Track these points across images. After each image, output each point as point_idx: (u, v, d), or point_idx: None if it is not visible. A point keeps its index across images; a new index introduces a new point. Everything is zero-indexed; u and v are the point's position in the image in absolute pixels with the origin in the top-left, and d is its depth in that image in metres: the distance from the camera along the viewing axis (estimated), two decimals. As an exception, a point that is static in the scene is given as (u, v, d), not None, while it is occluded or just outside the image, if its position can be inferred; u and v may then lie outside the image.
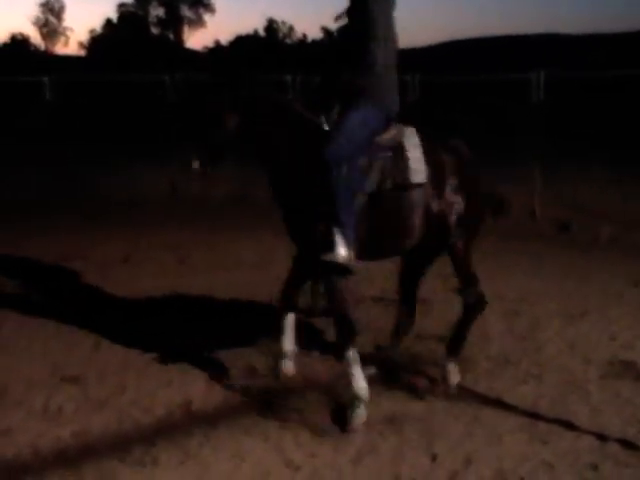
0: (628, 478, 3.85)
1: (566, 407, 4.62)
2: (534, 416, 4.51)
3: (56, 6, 60.03)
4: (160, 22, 60.16)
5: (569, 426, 4.39)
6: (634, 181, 10.55)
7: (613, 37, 78.51)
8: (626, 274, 7.50)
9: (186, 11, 60.51)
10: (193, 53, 55.02)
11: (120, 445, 4.25)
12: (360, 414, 4.41)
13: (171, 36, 60.04)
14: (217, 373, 5.15)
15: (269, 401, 4.73)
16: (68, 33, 60.36)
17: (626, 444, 4.18)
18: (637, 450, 4.12)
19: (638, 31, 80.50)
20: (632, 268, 7.74)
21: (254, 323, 6.12)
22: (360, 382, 4.48)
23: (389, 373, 5.05)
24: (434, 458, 4.08)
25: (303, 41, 59.56)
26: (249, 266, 8.03)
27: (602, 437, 4.25)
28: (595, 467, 3.94)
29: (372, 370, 4.90)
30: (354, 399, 4.44)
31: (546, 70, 10.79)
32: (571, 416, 4.50)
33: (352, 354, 4.50)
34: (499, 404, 4.67)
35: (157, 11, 60.09)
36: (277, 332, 5.05)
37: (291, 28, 61.20)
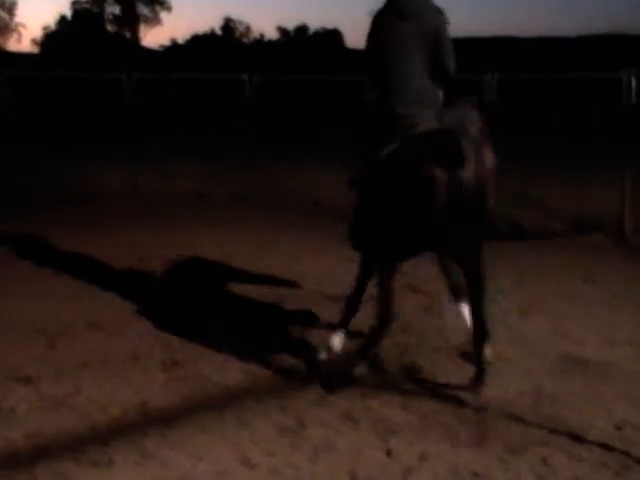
0: (578, 471, 3.92)
1: (517, 402, 4.67)
2: (488, 411, 4.56)
3: (7, 2, 58.93)
4: (116, 19, 59.85)
5: (521, 421, 4.45)
6: (587, 179, 10.73)
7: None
8: (577, 271, 7.64)
9: (142, 9, 60.34)
10: (150, 51, 54.62)
11: (75, 446, 4.18)
12: None
13: (127, 34, 59.56)
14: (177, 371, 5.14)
15: (227, 399, 4.73)
16: (21, 29, 58.80)
17: (576, 437, 4.25)
18: (586, 443, 4.19)
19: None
20: (583, 265, 7.89)
21: (213, 320, 6.11)
22: None
23: (346, 370, 5.09)
24: (389, 454, 4.10)
25: (260, 40, 59.47)
26: (209, 263, 8.01)
27: (553, 431, 4.32)
28: (546, 461, 4.01)
29: (323, 355, 5.00)
30: None
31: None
32: (523, 411, 4.55)
33: None
34: (454, 400, 4.71)
35: (113, 8, 59.94)
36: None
37: (248, 27, 61.16)
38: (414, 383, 4.96)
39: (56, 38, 56.94)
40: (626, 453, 4.09)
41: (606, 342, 5.74)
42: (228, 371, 5.16)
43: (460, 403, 4.66)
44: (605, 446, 4.16)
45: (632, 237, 8.99)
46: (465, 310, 5.19)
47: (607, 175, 9.43)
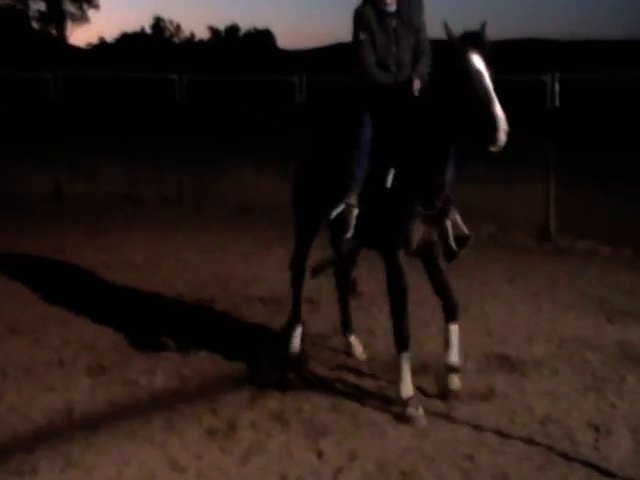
0: (502, 466, 4.01)
1: (445, 400, 4.74)
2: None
3: None
4: (42, 17, 58.48)
5: (448, 418, 4.53)
6: (513, 179, 10.88)
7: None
8: (501, 271, 7.82)
9: (69, 6, 59.06)
10: (77, 50, 53.67)
11: (8, 455, 4.09)
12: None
13: (53, 32, 58.41)
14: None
15: (156, 403, 4.69)
16: None
17: (500, 434, 4.35)
18: (510, 438, 4.29)
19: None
20: (507, 265, 8.07)
21: (140, 324, 6.05)
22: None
23: (279, 372, 5.11)
24: (320, 455, 4.12)
25: (191, 40, 59.04)
26: (137, 267, 7.91)
27: (478, 428, 4.41)
28: (471, 457, 4.08)
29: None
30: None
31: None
32: (450, 409, 4.63)
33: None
34: (382, 399, 4.76)
35: (38, 5, 58.33)
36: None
37: (178, 27, 60.73)
38: (344, 385, 4.99)
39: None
40: (550, 447, 4.20)
41: (527, 340, 5.88)
42: (156, 375, 5.11)
43: (389, 403, 4.69)
44: (529, 441, 4.26)
45: (556, 237, 9.21)
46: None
47: (532, 176, 9.61)
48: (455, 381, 4.75)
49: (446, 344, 4.80)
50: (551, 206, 9.31)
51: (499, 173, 9.41)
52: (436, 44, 4.75)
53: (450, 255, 4.63)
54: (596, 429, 4.43)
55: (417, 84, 4.69)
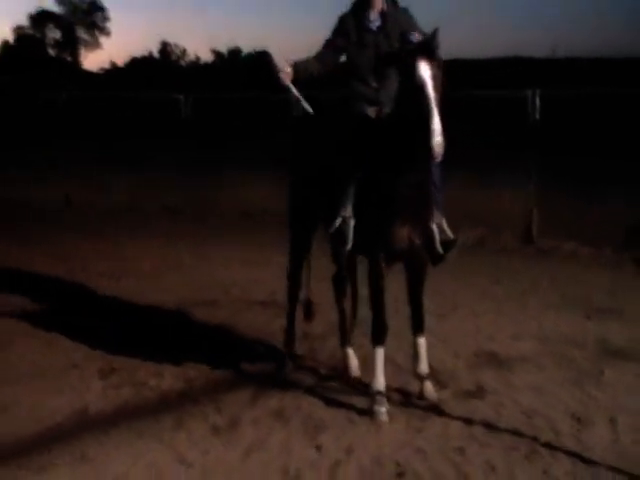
0: (490, 457, 4.00)
1: (438, 396, 4.72)
2: (411, 405, 4.63)
3: None
4: (57, 44, 59.97)
5: (440, 413, 4.52)
6: (498, 186, 10.93)
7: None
8: (488, 271, 7.81)
9: (82, 34, 60.44)
10: (90, 74, 54.59)
11: (19, 452, 4.12)
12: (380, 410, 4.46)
13: (68, 58, 59.61)
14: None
15: (164, 403, 4.68)
16: None
17: (489, 426, 4.35)
18: (498, 431, 4.29)
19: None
20: (494, 266, 8.08)
21: (148, 327, 6.04)
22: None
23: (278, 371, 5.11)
24: (318, 449, 4.12)
25: (196, 63, 59.38)
26: (142, 273, 7.90)
27: (468, 422, 4.41)
28: (462, 450, 4.08)
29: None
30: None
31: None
32: (443, 404, 4.63)
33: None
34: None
35: (54, 33, 59.83)
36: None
37: (184, 51, 61.07)
38: (340, 383, 4.98)
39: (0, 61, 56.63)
40: (535, 438, 4.20)
41: (514, 337, 5.88)
42: (164, 376, 5.11)
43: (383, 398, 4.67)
44: (515, 433, 4.26)
45: (539, 239, 9.23)
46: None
47: (516, 182, 9.64)
48: (429, 388, 4.69)
49: (415, 356, 4.74)
50: (534, 210, 9.35)
51: (485, 180, 9.50)
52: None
53: (437, 259, 4.57)
54: (578, 420, 4.44)
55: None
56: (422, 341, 4.72)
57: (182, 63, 60.25)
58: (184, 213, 11.28)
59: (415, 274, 4.71)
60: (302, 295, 5.34)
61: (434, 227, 4.48)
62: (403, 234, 4.42)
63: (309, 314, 5.33)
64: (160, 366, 5.25)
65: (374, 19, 4.69)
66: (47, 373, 5.19)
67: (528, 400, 4.72)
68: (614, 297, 6.94)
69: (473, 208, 9.61)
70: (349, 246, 4.63)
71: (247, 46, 62.85)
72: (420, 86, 3.99)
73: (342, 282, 5.32)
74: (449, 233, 4.54)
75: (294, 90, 4.86)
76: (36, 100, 13.63)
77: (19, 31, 58.49)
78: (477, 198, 9.81)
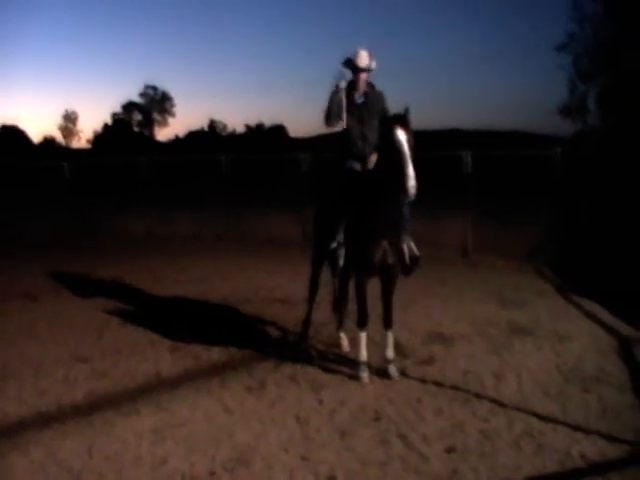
0: (439, 404, 4.01)
1: (400, 364, 4.66)
2: (384, 371, 4.56)
3: (72, 116, 64.67)
4: (139, 124, 63.20)
5: (404, 375, 4.50)
6: (443, 217, 10.82)
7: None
8: (436, 277, 7.81)
9: (156, 116, 63.90)
10: (161, 144, 57.05)
11: (115, 401, 4.17)
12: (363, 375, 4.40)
13: (146, 133, 62.67)
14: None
15: (213, 370, 4.69)
16: (80, 134, 64.67)
17: (437, 383, 4.33)
18: (444, 387, 4.29)
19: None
20: (440, 273, 8.06)
21: (201, 316, 6.02)
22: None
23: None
24: (321, 402, 4.13)
25: (233, 134, 60.72)
26: (199, 279, 7.86)
27: (423, 381, 4.40)
28: (419, 399, 4.09)
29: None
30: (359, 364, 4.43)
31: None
32: (405, 370, 4.59)
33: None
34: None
35: (137, 116, 63.55)
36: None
37: (225, 125, 62.67)
38: (337, 356, 4.96)
39: (102, 138, 59.25)
40: (468, 390, 4.19)
41: (455, 322, 5.87)
42: (213, 351, 5.11)
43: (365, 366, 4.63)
44: (455, 387, 4.27)
45: (472, 254, 9.22)
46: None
47: (455, 215, 9.64)
48: (393, 370, 4.50)
49: (385, 345, 4.58)
50: (468, 234, 9.36)
51: (435, 214, 9.51)
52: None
53: (407, 271, 4.46)
54: (496, 377, 4.46)
55: (373, 157, 4.55)
56: (390, 334, 4.58)
57: (223, 134, 61.06)
58: (227, 238, 11.29)
59: (388, 284, 4.59)
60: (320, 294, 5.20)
61: (405, 247, 4.38)
62: (380, 254, 4.33)
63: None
64: (210, 344, 5.23)
65: (359, 97, 4.68)
66: (134, 348, 5.20)
67: (464, 364, 4.73)
68: (520, 293, 6.92)
69: (426, 233, 9.61)
70: (341, 262, 4.66)
71: (269, 120, 63.90)
72: (398, 144, 3.99)
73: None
74: (416, 251, 4.42)
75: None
76: (130, 162, 13.66)
77: (114, 116, 61.68)
78: (429, 226, 9.82)
